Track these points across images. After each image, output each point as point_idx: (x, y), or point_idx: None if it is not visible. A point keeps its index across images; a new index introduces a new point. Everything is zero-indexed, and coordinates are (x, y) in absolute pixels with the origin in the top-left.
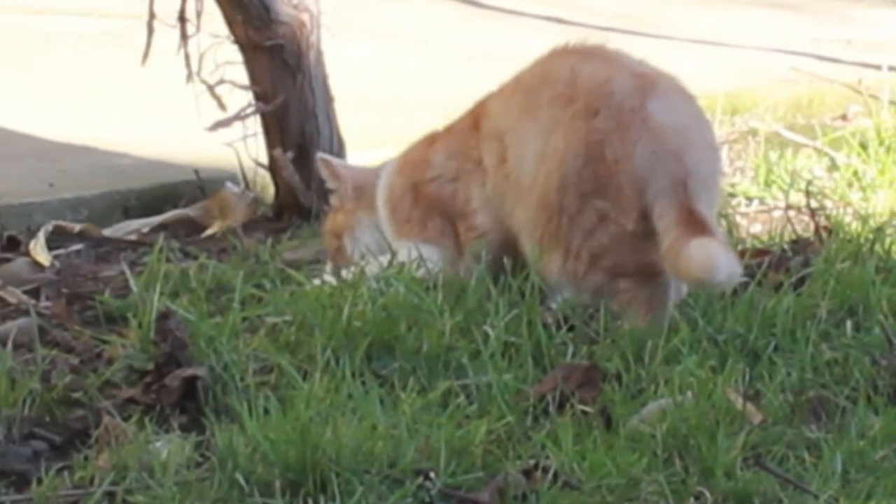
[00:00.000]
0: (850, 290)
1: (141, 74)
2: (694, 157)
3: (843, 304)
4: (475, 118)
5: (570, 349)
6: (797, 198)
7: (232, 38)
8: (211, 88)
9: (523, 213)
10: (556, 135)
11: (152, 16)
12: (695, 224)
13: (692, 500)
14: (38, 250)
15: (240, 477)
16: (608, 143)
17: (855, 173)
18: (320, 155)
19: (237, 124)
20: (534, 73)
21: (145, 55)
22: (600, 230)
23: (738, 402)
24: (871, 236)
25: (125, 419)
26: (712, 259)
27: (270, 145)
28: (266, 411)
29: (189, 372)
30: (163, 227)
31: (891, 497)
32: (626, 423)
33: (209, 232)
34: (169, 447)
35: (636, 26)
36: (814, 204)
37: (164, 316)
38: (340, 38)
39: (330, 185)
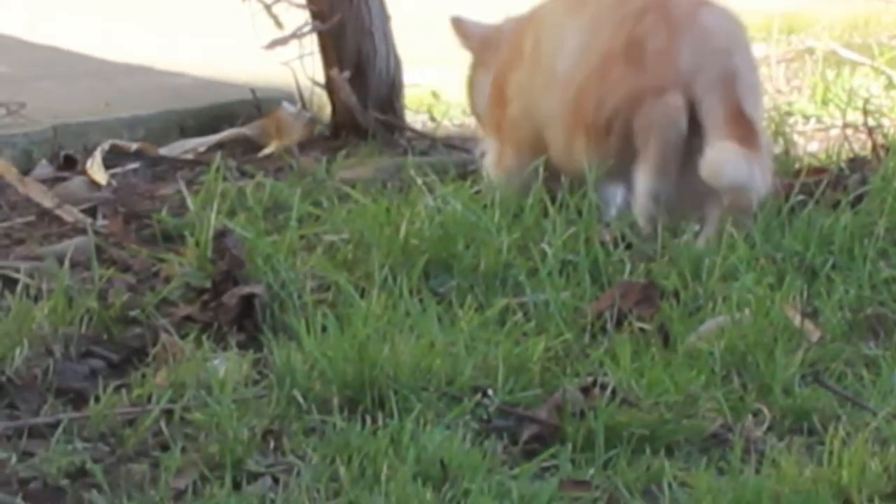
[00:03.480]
0: None
1: None
2: (742, 59)
3: None
4: (529, 15)
5: (628, 267)
6: (854, 116)
7: None
8: (268, 7)
9: (554, 104)
10: (601, 35)
11: None
12: (739, 126)
13: (750, 416)
14: (95, 169)
15: (297, 394)
16: (651, 36)
17: None
18: (453, 17)
19: (294, 43)
20: None
21: None
22: (629, 81)
23: (796, 320)
24: None
25: (182, 337)
26: (719, 163)
27: (327, 64)
28: (324, 329)
29: (246, 290)
30: (219, 146)
31: None
32: (683, 340)
33: (266, 151)
34: (226, 365)
35: None
36: (871, 122)
37: (221, 234)
38: None
39: (462, 44)
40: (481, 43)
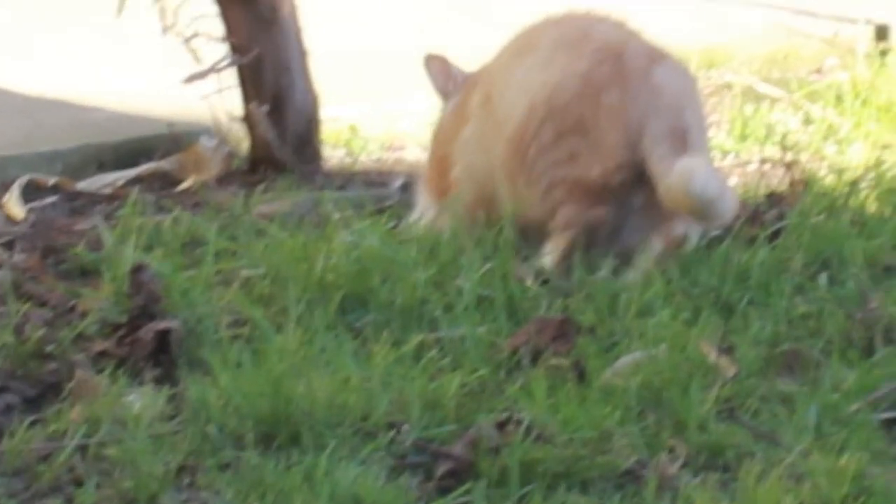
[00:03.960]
0: (824, 244)
1: (116, 28)
2: (692, 116)
3: (818, 258)
4: (476, 75)
5: (544, 302)
6: (772, 151)
7: None
8: (186, 41)
9: (497, 146)
10: (551, 69)
11: None
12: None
13: (665, 453)
14: (13, 203)
15: (212, 429)
16: (607, 90)
17: (830, 127)
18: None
19: (212, 78)
20: (539, 24)
21: (120, 8)
22: (566, 165)
23: (712, 355)
24: (845, 190)
25: (98, 372)
26: (690, 171)
27: (245, 98)
28: (239, 364)
29: (162, 325)
30: (137, 180)
31: (863, 450)
32: (599, 376)
33: (184, 185)
34: (142, 400)
35: None
36: (789, 157)
37: (138, 269)
38: None
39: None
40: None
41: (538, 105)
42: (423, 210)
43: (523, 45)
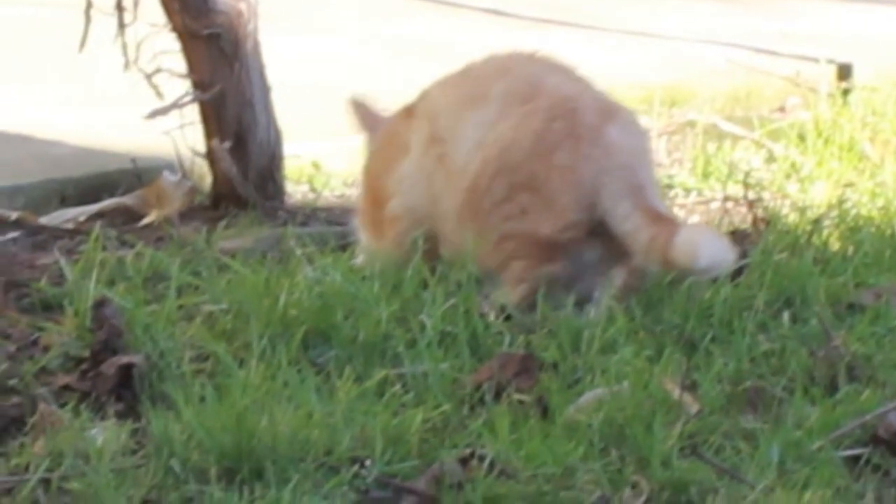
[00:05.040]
0: (787, 282)
1: (78, 64)
2: (645, 173)
3: (781, 296)
4: (411, 106)
5: (507, 338)
6: (735, 189)
7: (169, 26)
8: (148, 77)
9: (451, 198)
10: (503, 125)
11: (90, 4)
12: (667, 219)
13: (628, 489)
14: None
15: (175, 464)
16: (559, 149)
17: (793, 165)
18: (352, 98)
19: (175, 113)
20: (488, 67)
21: (82, 43)
22: (517, 220)
23: (675, 392)
24: (808, 228)
25: (61, 406)
26: (695, 245)
27: (208, 134)
28: (202, 399)
29: (125, 359)
30: (99, 215)
31: (826, 487)
32: (562, 412)
33: (146, 220)
34: (104, 434)
35: (573, 18)
36: (751, 195)
37: (101, 304)
38: (278, 28)
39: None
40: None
41: (491, 160)
42: (364, 248)
43: (472, 93)
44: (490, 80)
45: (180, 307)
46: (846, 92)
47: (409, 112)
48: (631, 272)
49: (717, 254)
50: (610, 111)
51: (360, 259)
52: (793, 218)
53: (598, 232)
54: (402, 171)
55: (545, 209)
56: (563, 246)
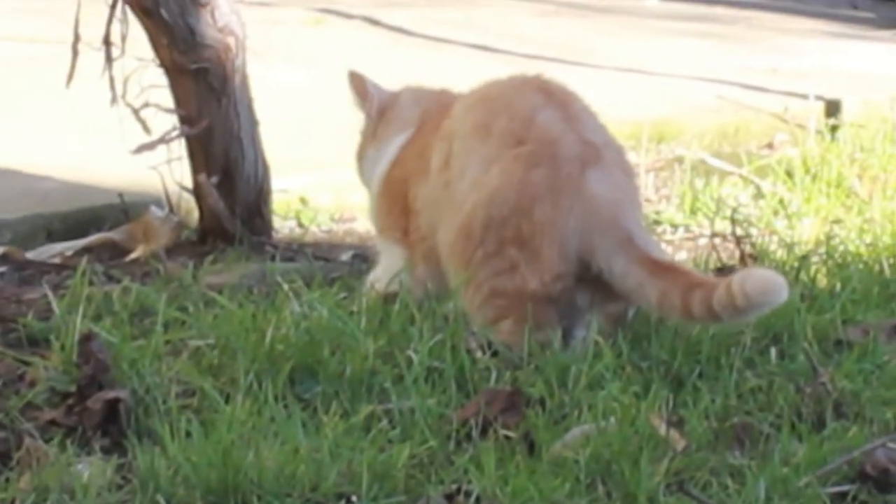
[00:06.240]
0: (774, 318)
1: (65, 98)
2: (632, 224)
3: (768, 332)
4: (443, 116)
5: (494, 374)
6: (723, 225)
7: (157, 61)
8: (136, 112)
9: (447, 231)
10: (495, 168)
11: (77, 39)
12: (667, 266)
13: None
14: None
15: (161, 499)
16: (539, 203)
17: (781, 201)
18: (351, 71)
19: (162, 148)
20: (501, 94)
21: (70, 78)
22: (507, 276)
23: (662, 428)
24: (796, 264)
25: (47, 441)
26: (764, 283)
27: (195, 169)
28: (188, 434)
29: (111, 394)
30: (86, 250)
31: None
32: (549, 448)
33: (133, 256)
34: (90, 469)
35: (562, 55)
36: (739, 232)
37: (87, 338)
38: (266, 64)
39: (357, 103)
40: (378, 111)
41: (480, 207)
42: (391, 262)
43: (482, 124)
44: (496, 111)
45: (167, 342)
46: (834, 128)
47: (437, 128)
48: (611, 315)
49: (782, 292)
50: (593, 153)
51: (379, 272)
52: (780, 254)
53: (588, 278)
54: (424, 191)
55: (531, 264)
56: (554, 299)
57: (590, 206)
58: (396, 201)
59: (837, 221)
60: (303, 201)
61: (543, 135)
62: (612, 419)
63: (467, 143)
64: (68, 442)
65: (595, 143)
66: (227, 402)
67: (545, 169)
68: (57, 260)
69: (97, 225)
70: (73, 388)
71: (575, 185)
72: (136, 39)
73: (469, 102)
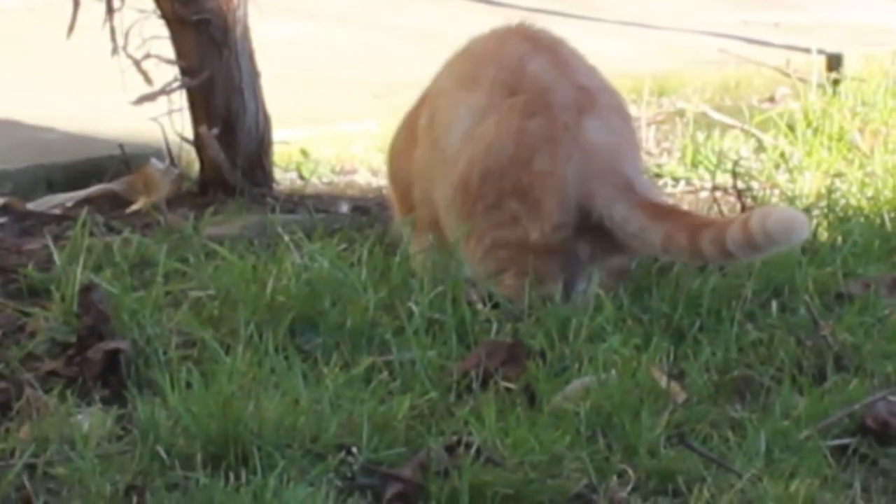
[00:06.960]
0: (775, 271)
1: (66, 50)
2: (631, 170)
3: (769, 285)
4: (428, 88)
5: (495, 326)
6: (724, 179)
7: (158, 12)
8: (137, 63)
9: (444, 188)
10: (489, 119)
11: None
12: (668, 209)
13: (615, 477)
14: None
15: (161, 450)
16: (538, 154)
17: (782, 155)
18: None
19: (163, 99)
20: (485, 48)
21: (70, 29)
22: (508, 227)
23: (663, 381)
24: None
25: (47, 392)
26: (796, 218)
27: (196, 121)
28: (188, 385)
29: (111, 345)
30: (87, 201)
31: (813, 477)
32: (549, 400)
33: (134, 207)
34: (90, 420)
35: (564, 7)
36: (741, 185)
37: (88, 289)
38: (268, 16)
39: None
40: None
41: (477, 160)
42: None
43: (467, 75)
44: (483, 63)
45: (167, 293)
46: (836, 82)
47: (422, 95)
48: (612, 270)
49: (804, 228)
50: (589, 99)
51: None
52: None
53: (588, 228)
54: (415, 159)
55: (532, 215)
56: (555, 251)
57: (588, 154)
58: (402, 176)
59: (839, 175)
60: (304, 153)
61: (536, 83)
62: (613, 371)
63: (452, 96)
64: (68, 392)
65: (589, 89)
66: (227, 353)
67: (541, 118)
68: (58, 211)
69: (98, 176)
70: (73, 339)
71: (572, 134)
72: None
73: (451, 60)
